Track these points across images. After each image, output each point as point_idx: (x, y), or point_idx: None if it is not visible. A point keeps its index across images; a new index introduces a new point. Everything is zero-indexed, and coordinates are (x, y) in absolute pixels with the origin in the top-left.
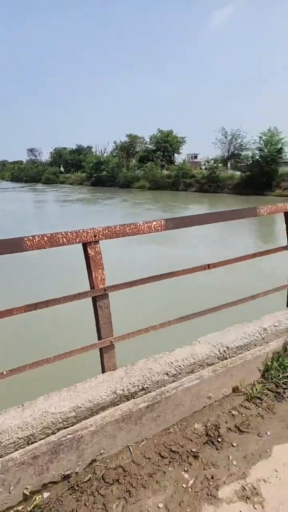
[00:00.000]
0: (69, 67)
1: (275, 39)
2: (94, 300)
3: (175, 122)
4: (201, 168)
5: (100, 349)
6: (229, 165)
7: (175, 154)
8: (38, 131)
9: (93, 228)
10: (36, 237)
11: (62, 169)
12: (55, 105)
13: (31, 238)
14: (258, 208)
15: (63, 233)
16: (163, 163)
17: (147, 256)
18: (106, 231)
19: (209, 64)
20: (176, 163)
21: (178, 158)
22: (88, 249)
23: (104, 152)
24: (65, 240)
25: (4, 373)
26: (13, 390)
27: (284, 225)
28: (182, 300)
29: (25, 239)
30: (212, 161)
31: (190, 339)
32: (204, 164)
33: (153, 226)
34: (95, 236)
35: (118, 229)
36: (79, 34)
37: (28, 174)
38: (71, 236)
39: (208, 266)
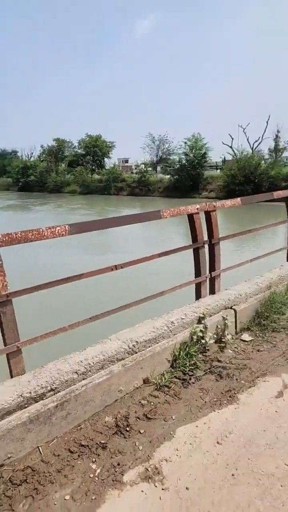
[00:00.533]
0: None
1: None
2: None
3: (104, 127)
4: (132, 172)
5: (7, 355)
6: (158, 169)
7: (105, 159)
8: None
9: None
10: None
11: None
12: None
13: None
14: (161, 211)
15: None
16: (93, 167)
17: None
18: (6, 238)
19: (134, 70)
20: (106, 168)
21: (109, 163)
22: None
23: (31, 157)
24: None
25: None
26: None
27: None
28: (91, 301)
29: None
30: (142, 165)
31: (103, 337)
32: (135, 168)
33: (57, 231)
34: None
35: (20, 235)
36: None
37: None
38: None
39: (116, 267)
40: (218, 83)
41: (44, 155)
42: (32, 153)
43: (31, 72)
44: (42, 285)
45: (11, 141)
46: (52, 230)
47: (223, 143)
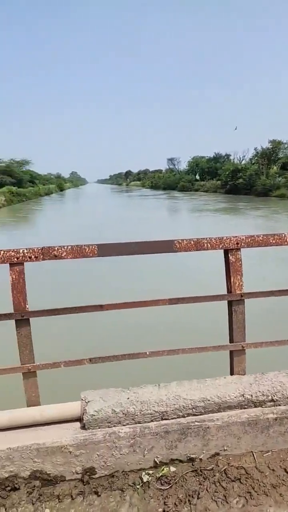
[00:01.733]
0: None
1: None
2: (230, 304)
3: None
4: None
5: (231, 352)
6: None
7: None
8: (178, 142)
9: (236, 236)
10: (185, 241)
11: (197, 177)
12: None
13: (180, 241)
14: None
15: (207, 238)
16: None
17: None
18: (249, 240)
19: None
20: None
21: None
22: (229, 255)
23: (242, 160)
24: (209, 245)
25: (148, 353)
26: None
27: None
28: None
29: (175, 241)
30: None
31: None
32: None
33: None
34: (237, 243)
35: (261, 239)
36: None
37: (165, 182)
38: (215, 242)
39: None
40: None
41: (256, 158)
42: (244, 156)
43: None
44: (276, 292)
45: (226, 145)
46: None
47: None
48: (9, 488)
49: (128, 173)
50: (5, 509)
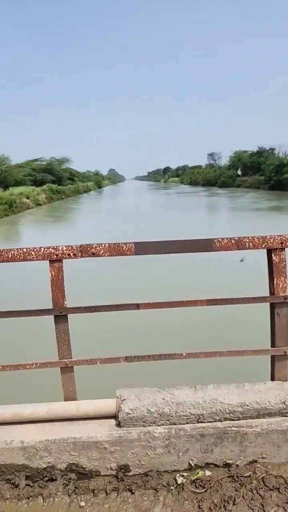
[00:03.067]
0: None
1: None
2: (273, 306)
3: None
4: None
5: (272, 357)
6: None
7: None
8: (218, 137)
9: (281, 235)
10: (225, 240)
11: (239, 172)
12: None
13: (220, 240)
14: None
15: (250, 237)
16: None
17: None
18: None
19: None
20: None
21: None
22: (272, 255)
23: None
24: (251, 244)
25: (184, 354)
26: (186, 371)
27: None
28: None
29: (214, 240)
30: None
31: None
32: None
33: None
34: (282, 243)
35: None
36: None
37: (205, 178)
38: (257, 241)
39: None
40: None
41: None
42: None
43: None
44: None
45: (270, 137)
46: None
47: None
48: (46, 478)
49: (167, 170)
50: (43, 498)
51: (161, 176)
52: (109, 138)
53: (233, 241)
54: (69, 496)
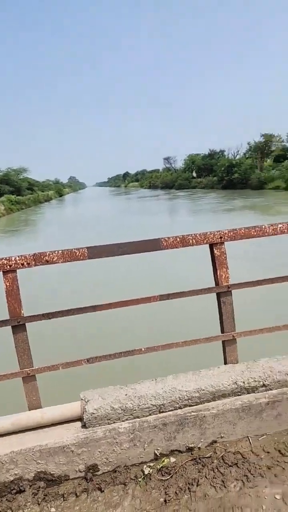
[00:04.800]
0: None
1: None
2: (218, 296)
3: None
4: None
5: (223, 342)
6: None
7: None
8: (172, 142)
9: (219, 231)
10: (171, 238)
11: (194, 174)
12: (184, 117)
13: (166, 239)
14: None
15: (192, 235)
16: None
17: None
18: (231, 233)
19: None
20: None
21: None
22: (214, 249)
23: (236, 155)
24: (194, 241)
25: (143, 349)
26: (149, 366)
27: None
28: None
29: (161, 239)
30: None
31: None
32: None
33: (279, 228)
34: (221, 238)
35: (243, 231)
36: None
37: (163, 181)
38: (199, 238)
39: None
40: None
41: (249, 152)
42: (238, 151)
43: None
44: (260, 281)
45: (220, 142)
46: (274, 227)
47: None
48: (14, 491)
49: (126, 175)
50: None
51: (121, 182)
52: (67, 146)
53: (178, 239)
54: (39, 505)
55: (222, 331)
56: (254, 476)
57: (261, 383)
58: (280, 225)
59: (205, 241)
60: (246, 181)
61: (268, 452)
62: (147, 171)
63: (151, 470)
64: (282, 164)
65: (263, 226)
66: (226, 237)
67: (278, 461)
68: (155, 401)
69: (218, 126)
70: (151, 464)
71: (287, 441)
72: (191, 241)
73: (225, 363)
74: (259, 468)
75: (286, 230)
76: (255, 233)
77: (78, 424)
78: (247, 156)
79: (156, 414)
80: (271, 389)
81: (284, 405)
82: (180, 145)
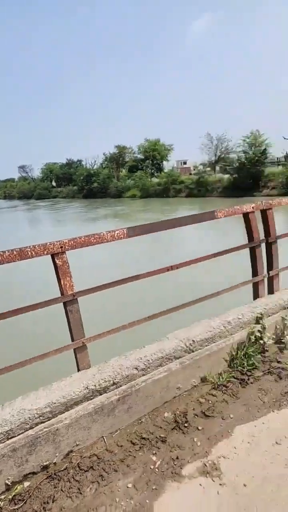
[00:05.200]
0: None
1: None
2: (65, 305)
3: (162, 130)
4: (190, 174)
5: (74, 350)
6: (217, 168)
7: (164, 162)
8: (28, 149)
9: (59, 241)
10: (7, 252)
11: (54, 183)
12: (45, 122)
13: (1, 253)
14: (215, 212)
15: (31, 246)
16: (152, 171)
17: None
18: (72, 242)
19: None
20: (165, 171)
21: (168, 166)
22: (56, 259)
23: (94, 165)
24: (33, 253)
25: None
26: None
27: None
28: (149, 300)
29: None
30: (201, 166)
31: (161, 336)
32: (194, 170)
33: (116, 234)
34: (61, 247)
35: (83, 239)
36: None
37: (20, 190)
38: (39, 249)
39: (171, 267)
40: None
41: (106, 162)
42: (95, 161)
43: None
44: (105, 285)
45: (77, 153)
46: (112, 234)
47: (284, 138)
48: None
49: None
50: None
51: None
52: None
53: (15, 252)
54: None
55: (72, 339)
56: (108, 474)
57: (111, 382)
58: (117, 232)
59: (45, 252)
60: (105, 190)
61: (121, 446)
62: (1, 180)
63: (2, 503)
64: (135, 174)
65: (102, 234)
66: (66, 246)
67: (130, 451)
68: (2, 428)
69: (74, 136)
70: (2, 497)
71: (138, 430)
72: (29, 253)
73: (78, 370)
74: (113, 464)
75: (122, 236)
76: (94, 241)
77: None
78: (104, 166)
79: (4, 441)
80: (121, 386)
81: (133, 397)
82: (35, 153)
